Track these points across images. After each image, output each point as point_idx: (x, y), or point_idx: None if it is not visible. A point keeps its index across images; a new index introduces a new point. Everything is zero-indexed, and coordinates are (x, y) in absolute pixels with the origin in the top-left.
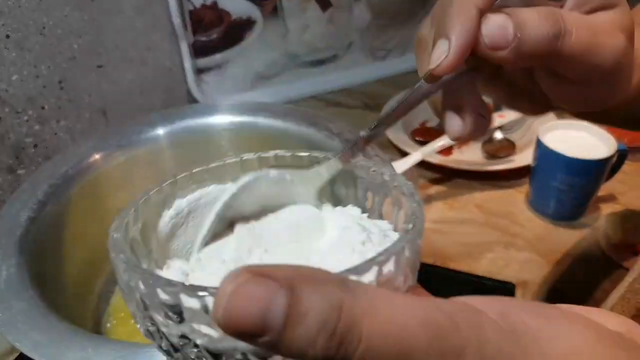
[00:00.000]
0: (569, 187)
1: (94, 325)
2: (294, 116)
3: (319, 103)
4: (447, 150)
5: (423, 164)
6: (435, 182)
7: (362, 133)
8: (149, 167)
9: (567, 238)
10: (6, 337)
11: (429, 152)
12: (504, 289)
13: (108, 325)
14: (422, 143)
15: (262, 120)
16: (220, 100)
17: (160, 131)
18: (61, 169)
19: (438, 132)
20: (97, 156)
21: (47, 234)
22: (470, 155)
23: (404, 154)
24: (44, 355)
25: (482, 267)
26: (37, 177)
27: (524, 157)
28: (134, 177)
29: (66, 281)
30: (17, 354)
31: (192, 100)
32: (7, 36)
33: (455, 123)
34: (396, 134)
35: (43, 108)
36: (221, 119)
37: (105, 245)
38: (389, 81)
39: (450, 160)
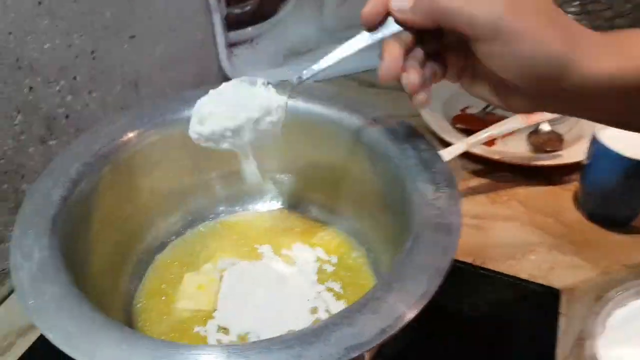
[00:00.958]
0: (625, 190)
1: (124, 305)
2: (337, 101)
3: (351, 83)
4: (490, 140)
5: (464, 154)
6: (476, 174)
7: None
8: (183, 148)
9: (618, 244)
10: (38, 326)
11: (475, 143)
12: (549, 294)
13: (138, 305)
14: (463, 131)
15: (302, 105)
16: (252, 75)
17: None
18: (94, 147)
19: (480, 119)
20: (130, 134)
21: (79, 214)
22: (515, 147)
23: (442, 141)
24: (75, 349)
25: (525, 269)
26: (69, 155)
27: (573, 153)
28: (168, 158)
29: (97, 262)
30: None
31: (223, 74)
32: (40, 2)
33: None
34: (436, 120)
35: (75, 78)
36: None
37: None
38: None
39: (493, 152)
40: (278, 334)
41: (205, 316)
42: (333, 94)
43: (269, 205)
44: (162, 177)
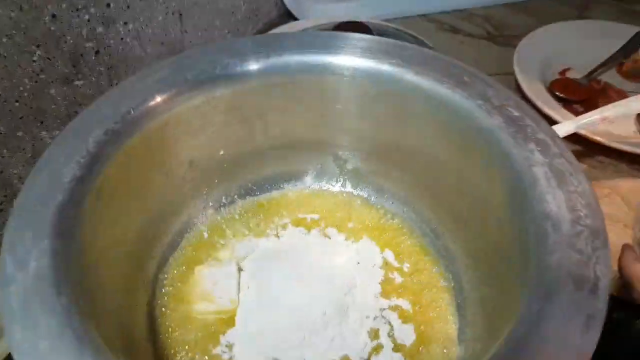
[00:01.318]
0: None
1: (146, 310)
2: (433, 69)
3: (429, 24)
4: None
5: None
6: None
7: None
8: (231, 113)
9: None
10: None
11: (585, 124)
12: None
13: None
14: (561, 100)
15: (388, 69)
16: (315, 9)
17: (253, 66)
18: (121, 109)
19: (582, 87)
20: (167, 94)
21: (96, 199)
22: (622, 128)
23: (536, 109)
24: None
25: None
26: (89, 118)
27: None
28: (212, 124)
29: (112, 263)
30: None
31: (282, 7)
32: None
33: None
34: (530, 82)
35: (108, 6)
36: (333, 59)
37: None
38: (520, 6)
39: (596, 131)
40: None
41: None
42: (428, 57)
43: (330, 185)
44: (202, 147)
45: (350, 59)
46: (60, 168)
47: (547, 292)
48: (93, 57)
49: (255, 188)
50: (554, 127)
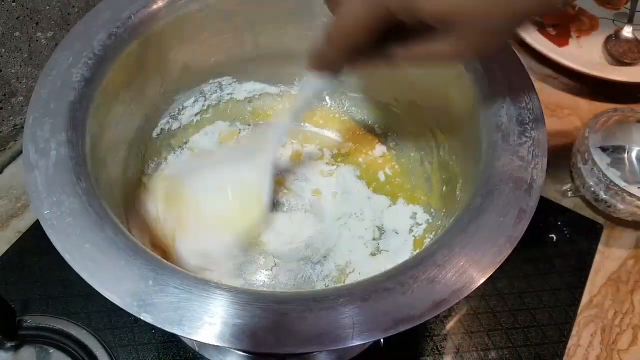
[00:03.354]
0: None
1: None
2: None
3: None
4: (562, 38)
5: (529, 51)
6: (543, 79)
7: None
8: (222, 21)
9: None
10: (54, 243)
11: None
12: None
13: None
14: (536, 23)
15: None
16: None
17: None
18: (121, 15)
19: (560, 13)
20: (165, 1)
21: (102, 98)
22: (589, 51)
23: None
24: (95, 278)
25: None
26: (91, 21)
27: None
28: (205, 31)
29: (119, 154)
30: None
31: None
32: None
33: None
34: None
35: None
36: None
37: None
38: None
39: (566, 53)
40: None
41: None
42: None
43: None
44: (195, 52)
45: None
46: (69, 68)
47: (490, 190)
48: None
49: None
50: None
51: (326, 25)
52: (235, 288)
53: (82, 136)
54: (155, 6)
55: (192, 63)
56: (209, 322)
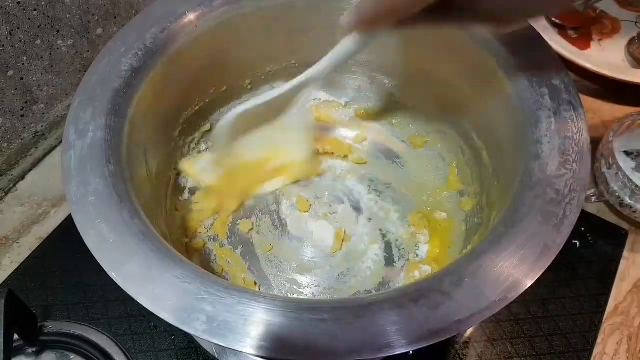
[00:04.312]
0: None
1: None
2: None
3: None
4: (584, 41)
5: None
6: None
7: None
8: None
9: None
10: (74, 219)
11: None
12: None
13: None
14: (557, 26)
15: None
16: None
17: None
18: (177, 11)
19: (579, 15)
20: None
21: (149, 87)
22: (611, 54)
23: None
24: (113, 265)
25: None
26: (146, 17)
27: None
28: (258, 34)
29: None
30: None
31: None
32: None
33: None
34: None
35: None
36: None
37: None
38: None
39: (587, 56)
40: None
41: None
42: None
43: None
44: (241, 51)
45: None
46: (120, 58)
47: (515, 221)
48: None
49: None
50: None
51: None
52: (275, 296)
53: (121, 122)
54: (211, 5)
55: (243, 66)
56: (248, 331)
